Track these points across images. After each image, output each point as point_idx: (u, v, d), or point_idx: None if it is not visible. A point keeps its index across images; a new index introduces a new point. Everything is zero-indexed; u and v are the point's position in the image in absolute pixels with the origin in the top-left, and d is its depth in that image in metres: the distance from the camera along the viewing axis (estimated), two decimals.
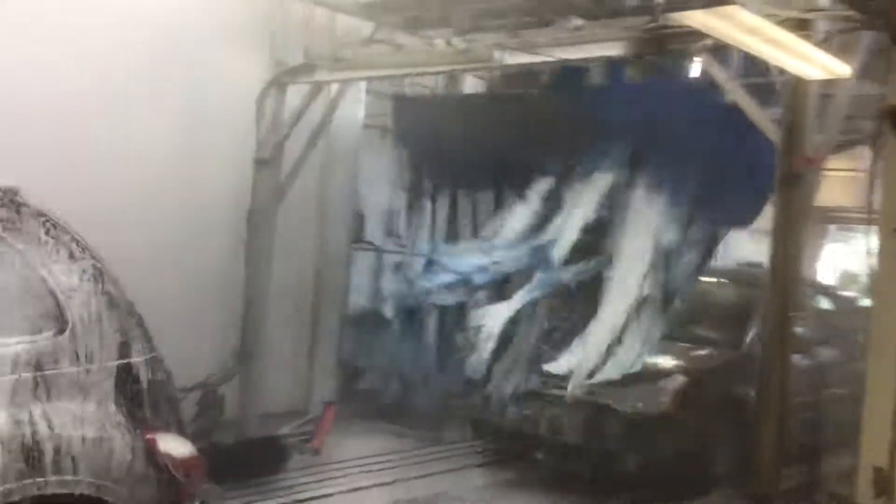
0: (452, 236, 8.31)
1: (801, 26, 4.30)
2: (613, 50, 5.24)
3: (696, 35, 4.72)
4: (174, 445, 3.39)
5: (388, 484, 6.56)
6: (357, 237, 8.49)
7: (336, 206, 8.13)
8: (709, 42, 4.69)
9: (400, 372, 8.28)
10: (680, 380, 6.08)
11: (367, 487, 6.49)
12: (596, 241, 6.86)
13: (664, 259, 6.14)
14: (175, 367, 6.87)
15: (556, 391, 6.31)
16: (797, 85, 4.60)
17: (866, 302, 4.93)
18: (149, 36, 6.80)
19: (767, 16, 3.99)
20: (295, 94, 7.35)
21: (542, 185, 7.21)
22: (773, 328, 4.79)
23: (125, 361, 3.37)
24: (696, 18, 3.85)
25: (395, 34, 7.65)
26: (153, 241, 6.92)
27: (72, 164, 6.38)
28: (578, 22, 5.54)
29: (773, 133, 4.78)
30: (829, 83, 4.64)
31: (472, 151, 7.64)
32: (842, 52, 4.44)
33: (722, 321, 6.82)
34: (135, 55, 6.73)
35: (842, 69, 4.43)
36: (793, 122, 4.66)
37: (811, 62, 4.34)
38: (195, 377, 7.18)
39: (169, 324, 6.96)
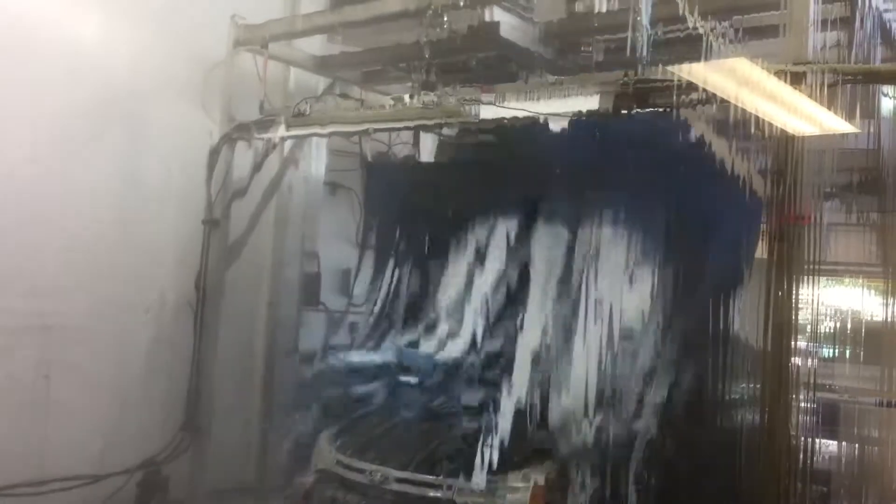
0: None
1: (794, 79, 4.19)
2: (591, 104, 5.06)
3: (680, 89, 4.58)
4: None
5: None
6: (312, 299, 8.06)
7: (290, 267, 7.72)
8: (694, 97, 4.54)
9: None
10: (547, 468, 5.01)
11: None
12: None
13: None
14: (118, 444, 6.55)
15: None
16: (787, 139, 4.47)
17: None
18: (90, 90, 6.43)
19: (764, 68, 3.87)
20: (248, 152, 7.00)
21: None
22: (771, 394, 4.56)
23: None
24: (695, 72, 3.69)
25: (351, 89, 7.45)
26: (95, 307, 6.50)
27: (6, 225, 5.95)
28: (552, 78, 5.38)
29: (762, 189, 4.63)
30: (819, 137, 4.53)
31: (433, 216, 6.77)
32: (833, 104, 4.34)
33: None
34: (75, 111, 6.35)
35: (836, 124, 4.32)
36: (783, 178, 4.51)
37: (804, 116, 4.23)
38: (139, 455, 6.70)
39: (110, 395, 6.65)
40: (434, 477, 5.12)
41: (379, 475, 5.26)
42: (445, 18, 5.61)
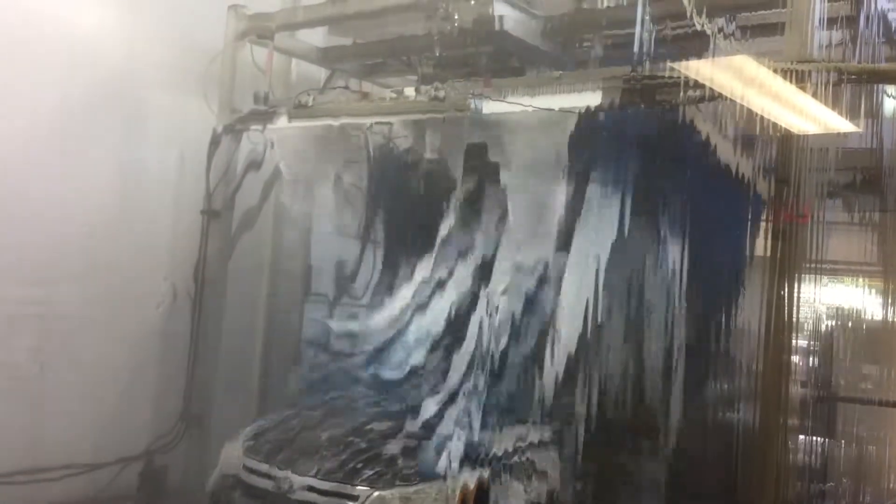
0: None
1: (798, 78, 4.19)
2: (595, 99, 5.05)
3: (685, 86, 4.57)
4: None
5: None
6: (310, 289, 8.04)
7: (290, 258, 7.71)
8: (697, 94, 4.53)
9: None
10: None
11: None
12: None
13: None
14: (115, 434, 6.55)
15: None
16: (789, 138, 4.48)
17: None
18: (89, 80, 6.40)
19: (767, 67, 3.87)
20: (249, 143, 6.97)
21: None
22: (768, 391, 4.57)
23: None
24: (700, 69, 3.69)
25: (350, 81, 7.43)
26: (92, 296, 6.47)
27: (3, 214, 5.93)
28: (555, 73, 5.38)
29: (763, 187, 4.64)
30: (821, 136, 4.53)
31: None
32: (836, 103, 4.34)
33: None
34: (74, 101, 6.31)
35: (838, 123, 4.33)
36: (784, 176, 4.51)
37: (806, 115, 4.23)
38: (136, 444, 6.69)
39: (108, 385, 6.64)
40: (348, 485, 4.74)
41: (287, 483, 4.88)
42: (451, 12, 5.57)
